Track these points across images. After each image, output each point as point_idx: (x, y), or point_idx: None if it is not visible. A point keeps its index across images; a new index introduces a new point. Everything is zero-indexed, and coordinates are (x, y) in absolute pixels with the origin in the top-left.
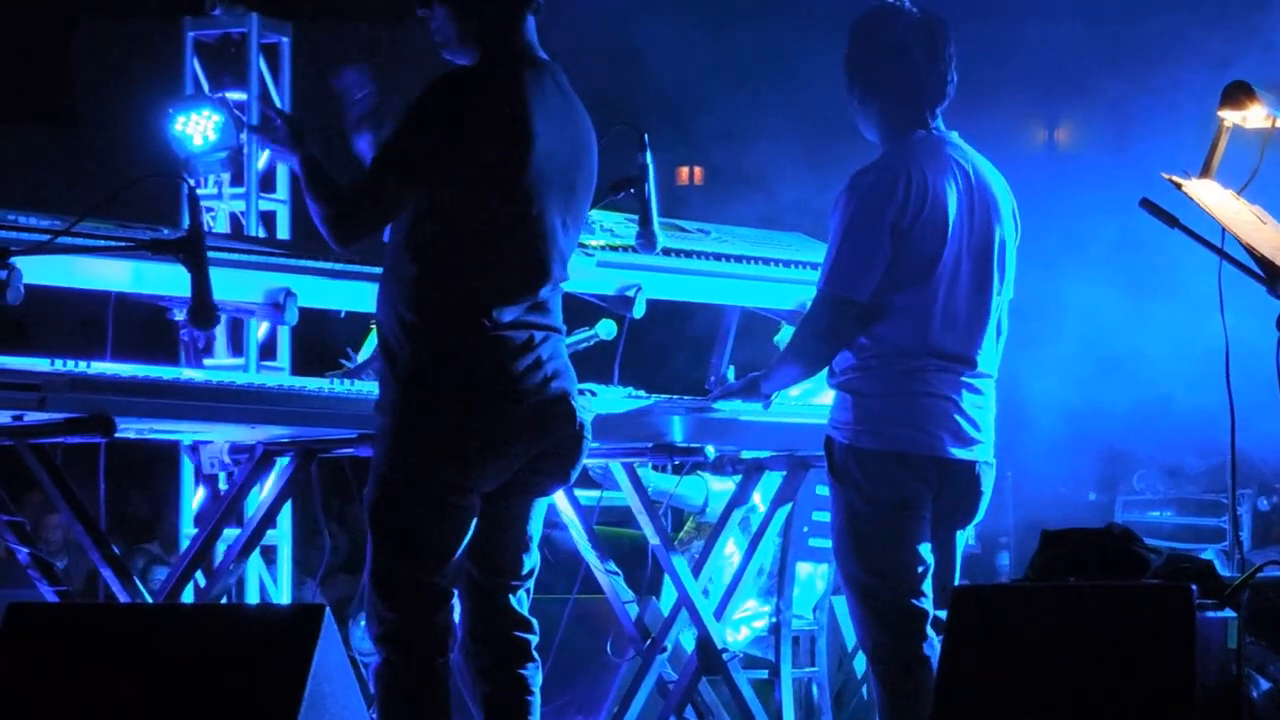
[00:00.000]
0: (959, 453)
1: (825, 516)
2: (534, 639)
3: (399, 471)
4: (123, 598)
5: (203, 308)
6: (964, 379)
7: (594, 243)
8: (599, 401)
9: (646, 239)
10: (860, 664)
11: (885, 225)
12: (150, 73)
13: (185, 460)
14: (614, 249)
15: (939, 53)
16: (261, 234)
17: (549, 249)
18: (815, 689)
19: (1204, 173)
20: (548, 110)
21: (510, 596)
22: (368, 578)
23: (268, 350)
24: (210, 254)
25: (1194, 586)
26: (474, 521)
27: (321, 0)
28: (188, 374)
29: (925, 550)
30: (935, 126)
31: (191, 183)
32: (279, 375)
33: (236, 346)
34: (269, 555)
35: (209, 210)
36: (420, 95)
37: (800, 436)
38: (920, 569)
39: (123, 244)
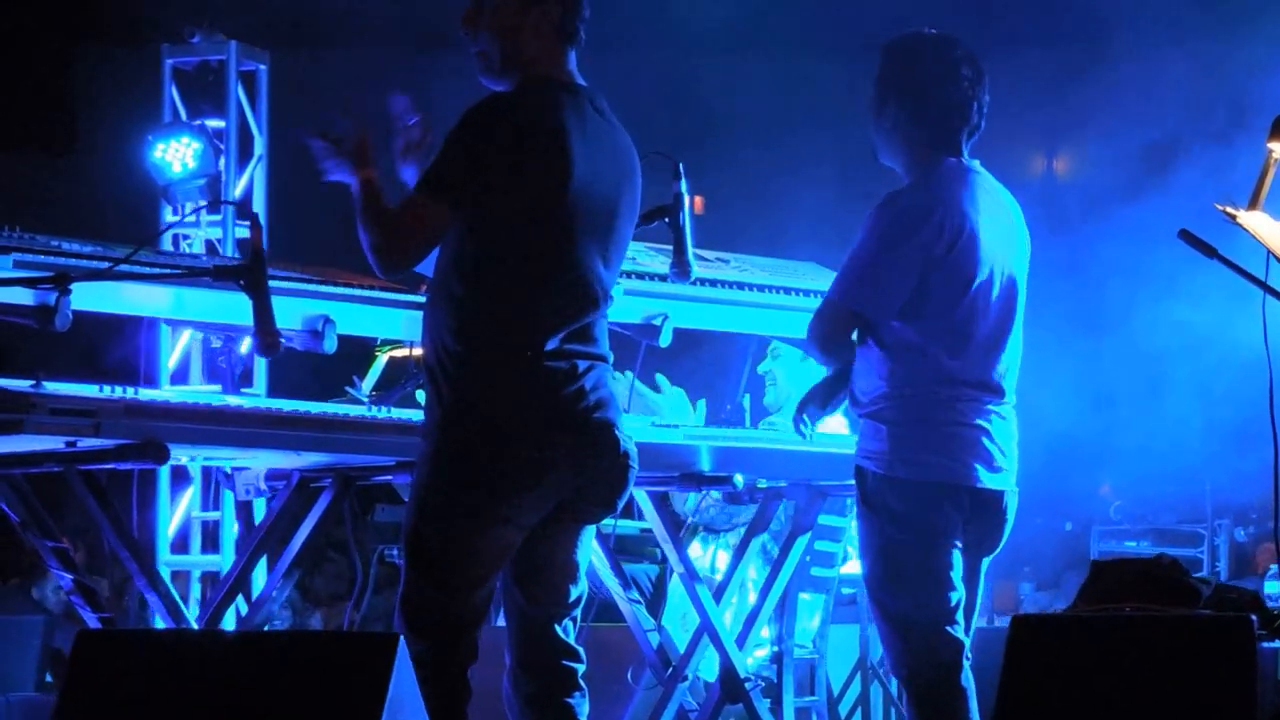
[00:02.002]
0: (989, 482)
1: (827, 546)
2: (581, 668)
3: (438, 499)
4: (167, 623)
5: (266, 334)
6: (991, 407)
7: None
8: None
9: (681, 269)
10: (847, 705)
11: (910, 250)
12: (137, 100)
13: (163, 488)
14: (639, 277)
15: (982, 81)
16: None
17: (591, 275)
18: (815, 718)
19: (1252, 204)
20: (587, 136)
21: (556, 625)
22: (398, 601)
23: (245, 377)
24: None
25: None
26: (511, 552)
27: (299, 28)
28: (234, 400)
29: (958, 578)
30: (963, 155)
31: (256, 213)
32: (322, 403)
33: (214, 373)
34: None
35: (186, 238)
36: (460, 120)
37: (814, 465)
38: (954, 597)
39: (180, 271)
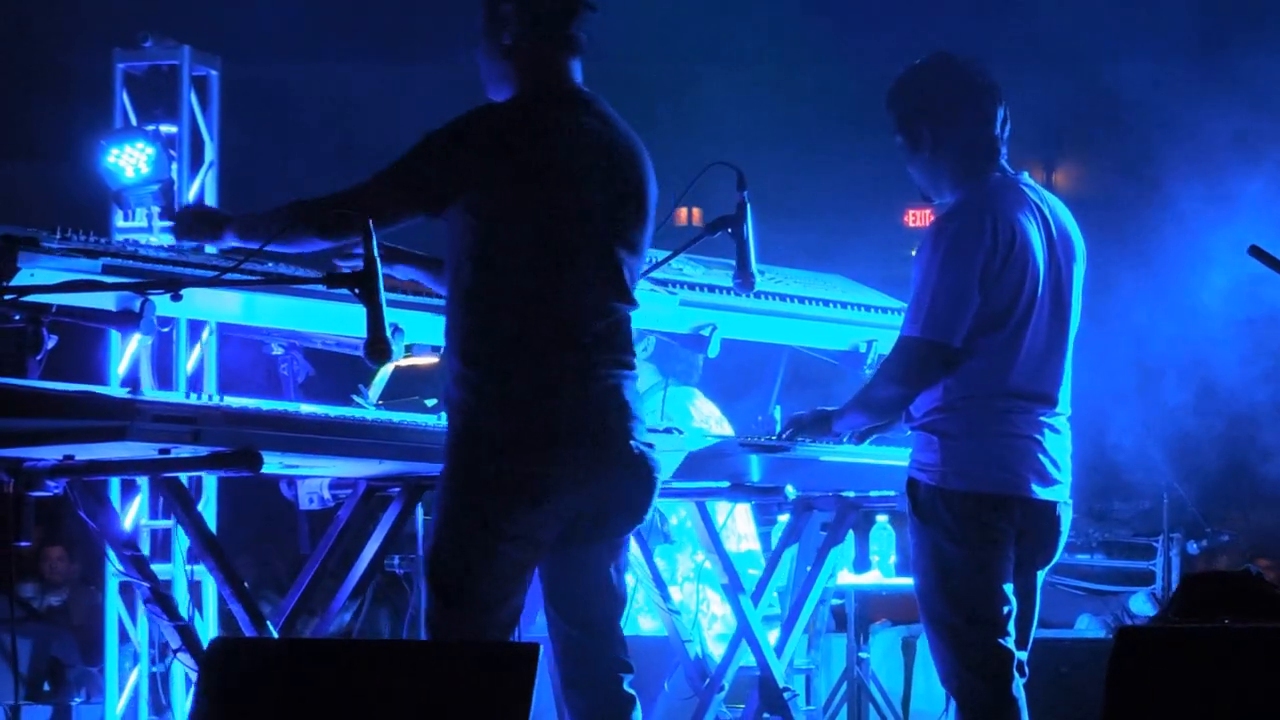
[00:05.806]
0: (1043, 494)
1: None
2: (628, 677)
3: (448, 519)
4: (248, 632)
5: (378, 341)
6: (1044, 419)
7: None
8: (672, 439)
9: (744, 279)
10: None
11: (976, 269)
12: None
13: (114, 496)
14: (688, 287)
15: (997, 89)
16: None
17: (597, 284)
18: None
19: None
20: (577, 144)
21: (599, 643)
22: (423, 621)
23: (195, 381)
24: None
25: None
26: (529, 570)
27: (250, 33)
28: (320, 409)
29: (1010, 591)
30: (1005, 167)
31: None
32: (403, 412)
33: (164, 378)
34: (196, 591)
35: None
36: (447, 123)
37: (846, 476)
38: (1006, 609)
39: (289, 278)
